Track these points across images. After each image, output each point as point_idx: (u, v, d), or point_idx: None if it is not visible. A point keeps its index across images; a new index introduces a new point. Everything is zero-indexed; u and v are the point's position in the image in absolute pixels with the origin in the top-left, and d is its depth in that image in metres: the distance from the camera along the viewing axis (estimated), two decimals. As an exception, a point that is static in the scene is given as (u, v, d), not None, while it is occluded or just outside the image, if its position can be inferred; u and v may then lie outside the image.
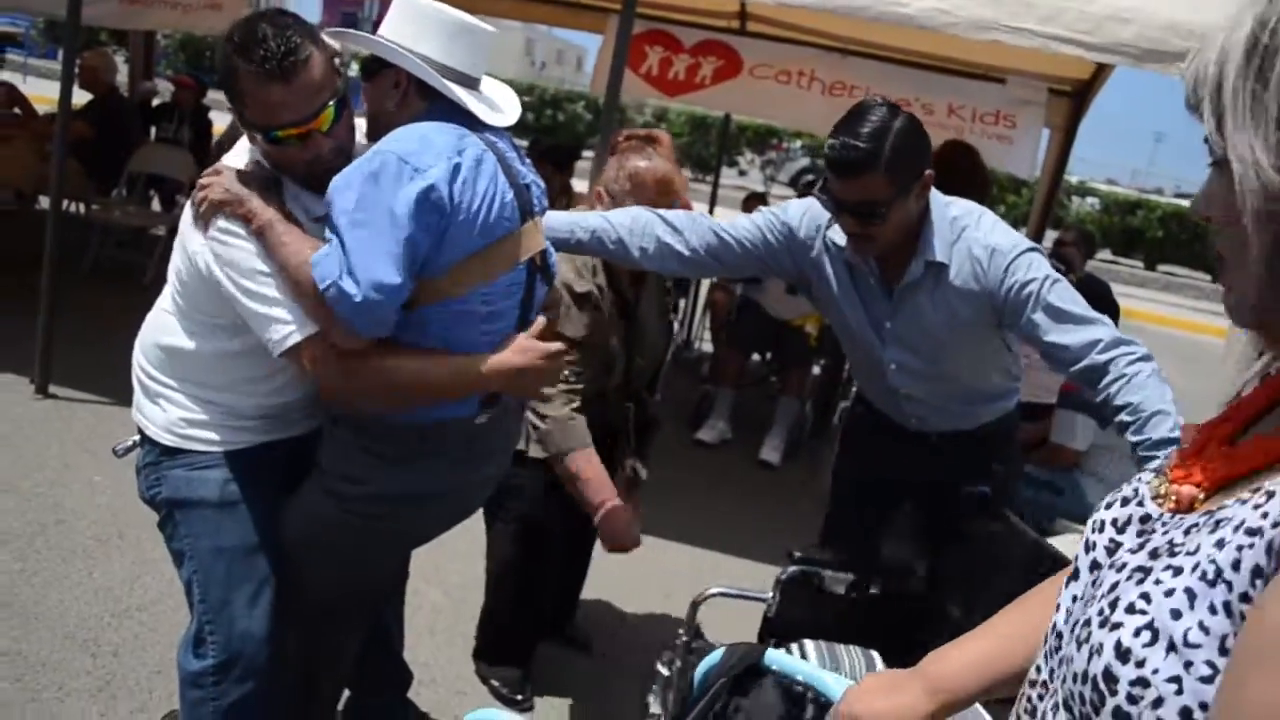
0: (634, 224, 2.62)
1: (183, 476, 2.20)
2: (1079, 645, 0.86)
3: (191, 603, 2.26)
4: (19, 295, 5.58)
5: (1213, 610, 0.78)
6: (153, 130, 8.81)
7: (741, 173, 24.87)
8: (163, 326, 2.20)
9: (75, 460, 4.35)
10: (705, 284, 7.98)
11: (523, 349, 2.11)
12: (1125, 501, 0.97)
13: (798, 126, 15.52)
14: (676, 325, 8.16)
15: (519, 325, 2.15)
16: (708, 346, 7.61)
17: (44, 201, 6.29)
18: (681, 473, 5.58)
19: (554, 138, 18.80)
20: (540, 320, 2.21)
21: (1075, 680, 0.85)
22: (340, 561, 2.23)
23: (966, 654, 1.25)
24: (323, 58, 2.01)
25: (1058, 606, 0.97)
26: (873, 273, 2.57)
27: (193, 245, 2.08)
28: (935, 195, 2.51)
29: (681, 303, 8.10)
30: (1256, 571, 0.76)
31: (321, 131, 2.03)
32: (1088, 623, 0.86)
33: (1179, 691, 0.77)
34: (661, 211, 2.66)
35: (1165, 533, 0.88)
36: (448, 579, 3.91)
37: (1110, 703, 0.81)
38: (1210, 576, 0.79)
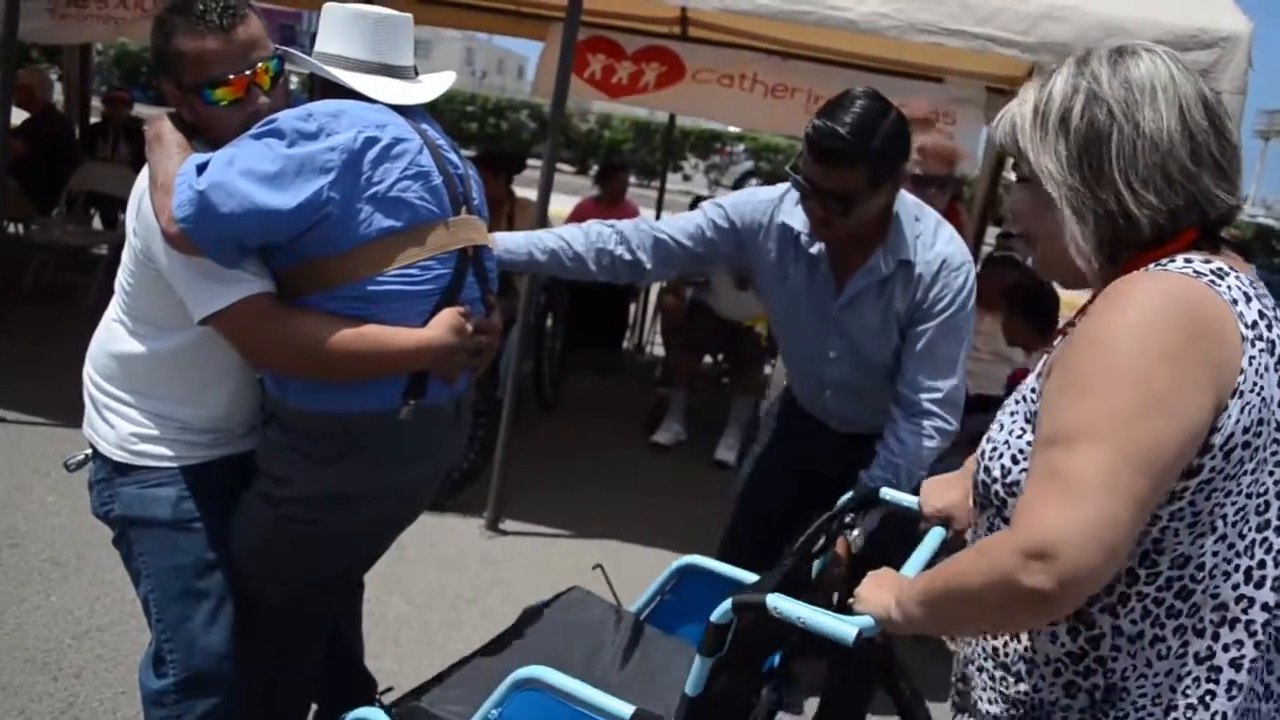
0: (587, 240, 2.68)
1: (135, 494, 2.18)
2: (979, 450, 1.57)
3: (150, 621, 2.25)
4: (-40, 318, 5.49)
5: (1018, 407, 1.48)
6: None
7: (686, 177, 24.95)
8: (112, 335, 2.19)
9: (26, 482, 4.30)
10: (655, 288, 8.02)
11: (452, 326, 2.06)
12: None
13: (741, 126, 15.66)
14: (629, 331, 8.20)
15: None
16: (660, 350, 7.65)
17: (-17, 222, 6.20)
18: (640, 476, 5.62)
19: (498, 147, 18.78)
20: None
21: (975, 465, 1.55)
22: (282, 566, 2.22)
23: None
24: (259, 21, 2.05)
25: None
26: (824, 260, 2.59)
27: (129, 231, 2.09)
28: (903, 194, 2.55)
29: (633, 307, 8.14)
30: (1038, 378, 1.45)
31: (261, 88, 2.04)
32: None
33: (1008, 445, 1.45)
34: (612, 222, 2.71)
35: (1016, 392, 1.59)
36: (410, 588, 3.91)
37: (981, 464, 1.50)
38: (1019, 394, 1.50)
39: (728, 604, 1.68)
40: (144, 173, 2.08)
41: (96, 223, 8.52)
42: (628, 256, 2.68)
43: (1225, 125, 1.37)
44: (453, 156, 2.19)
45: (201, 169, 1.91)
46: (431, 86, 2.25)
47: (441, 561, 4.21)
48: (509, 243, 2.60)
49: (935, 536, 1.93)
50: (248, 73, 2.01)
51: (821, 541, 2.05)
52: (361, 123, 1.99)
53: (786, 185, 2.61)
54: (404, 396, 2.08)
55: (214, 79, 2.00)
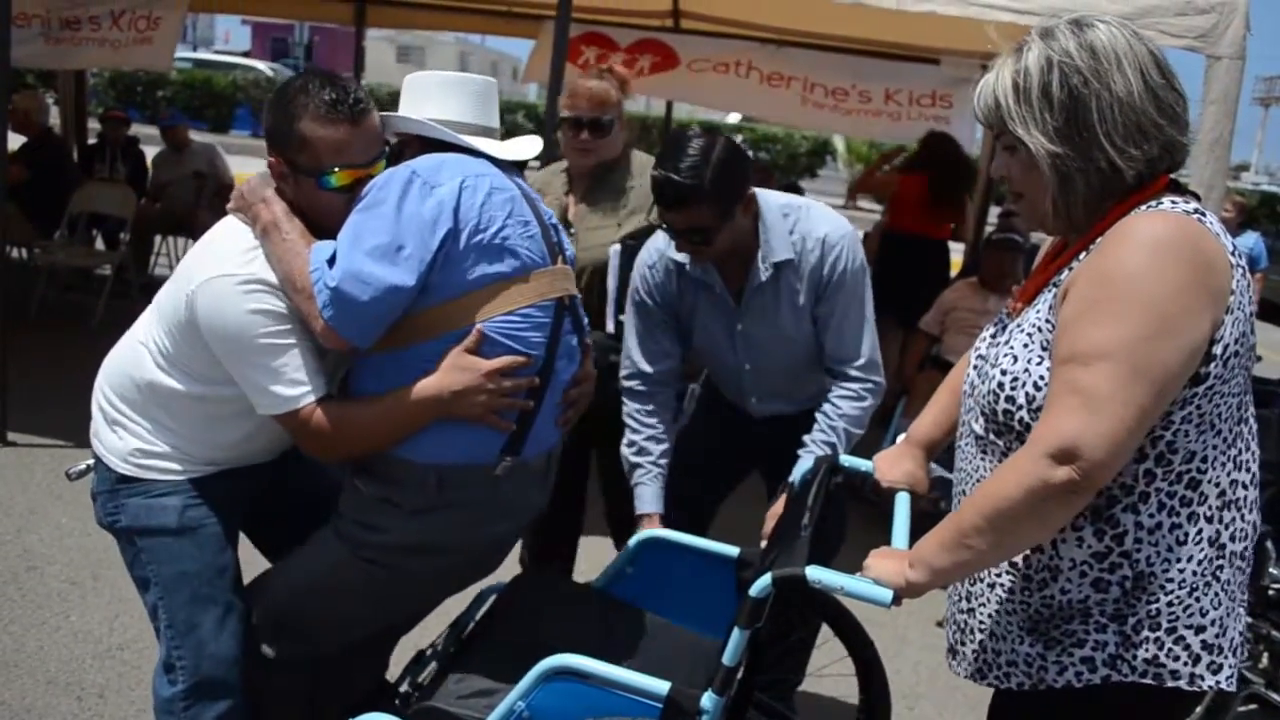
0: (654, 415, 2.81)
1: (141, 504, 2.19)
2: (984, 380, 1.68)
3: (159, 629, 2.25)
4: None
5: (1031, 339, 1.61)
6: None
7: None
8: (137, 359, 2.18)
9: (40, 505, 4.29)
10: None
11: (454, 366, 1.99)
12: (995, 327, 1.79)
13: (738, 111, 15.60)
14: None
15: (544, 368, 2.11)
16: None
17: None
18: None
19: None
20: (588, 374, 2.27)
21: (984, 395, 1.66)
22: (353, 606, 2.20)
23: (929, 417, 2.08)
24: (377, 114, 2.11)
25: (966, 377, 1.79)
26: (715, 284, 2.70)
27: (182, 294, 2.06)
28: (763, 195, 2.66)
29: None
30: (1050, 309, 1.59)
31: (372, 176, 2.06)
32: (984, 372, 1.70)
33: (1028, 374, 1.60)
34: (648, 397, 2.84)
35: (1013, 323, 1.71)
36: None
37: (1001, 395, 1.62)
38: (1031, 326, 1.63)
39: (767, 579, 1.70)
40: (210, 241, 2.09)
41: (99, 243, 8.51)
42: (668, 394, 2.84)
43: (1176, 80, 1.57)
44: (544, 207, 2.24)
45: (331, 259, 1.93)
46: (525, 147, 2.30)
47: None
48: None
49: (903, 503, 2.02)
50: (367, 167, 2.06)
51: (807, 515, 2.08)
52: (463, 171, 2.02)
53: None
54: (502, 452, 2.08)
55: (338, 165, 2.03)
